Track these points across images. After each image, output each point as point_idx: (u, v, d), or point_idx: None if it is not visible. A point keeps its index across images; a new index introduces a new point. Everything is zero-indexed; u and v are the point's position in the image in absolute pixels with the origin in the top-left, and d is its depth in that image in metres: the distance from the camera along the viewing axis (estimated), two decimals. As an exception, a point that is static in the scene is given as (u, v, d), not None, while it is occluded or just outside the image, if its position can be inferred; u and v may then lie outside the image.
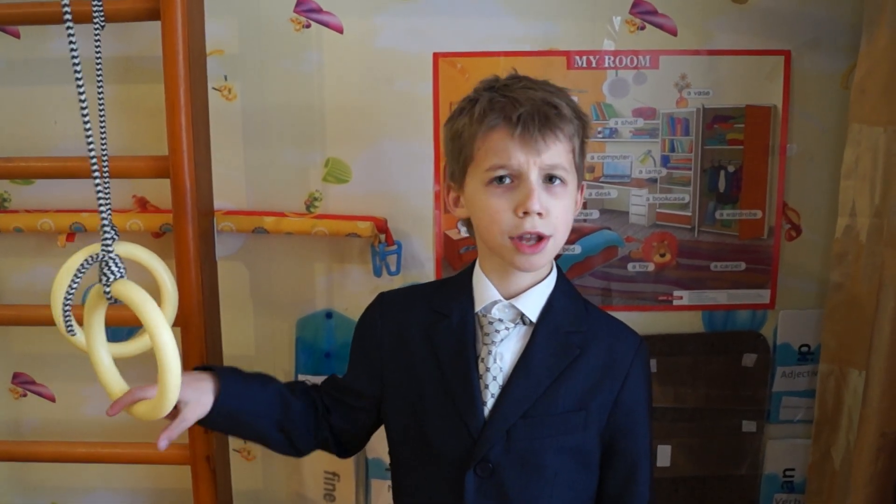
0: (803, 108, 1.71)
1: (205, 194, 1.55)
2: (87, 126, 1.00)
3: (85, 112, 1.00)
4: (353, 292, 1.75)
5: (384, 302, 1.33)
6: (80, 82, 0.92)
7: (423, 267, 1.73)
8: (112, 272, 1.07)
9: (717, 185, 1.73)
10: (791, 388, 1.81)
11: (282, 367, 1.80)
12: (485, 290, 1.22)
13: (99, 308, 1.12)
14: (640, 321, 1.75)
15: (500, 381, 1.19)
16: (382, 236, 1.67)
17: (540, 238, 1.13)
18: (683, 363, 1.78)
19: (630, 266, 1.76)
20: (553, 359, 1.20)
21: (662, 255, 1.75)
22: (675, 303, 1.77)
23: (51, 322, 1.35)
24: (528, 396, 1.18)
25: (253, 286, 1.77)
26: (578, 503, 1.26)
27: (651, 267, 1.76)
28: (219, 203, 1.64)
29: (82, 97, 0.95)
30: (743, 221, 1.74)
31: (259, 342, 1.80)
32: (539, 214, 1.12)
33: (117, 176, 1.45)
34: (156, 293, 1.44)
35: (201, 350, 1.53)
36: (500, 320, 1.20)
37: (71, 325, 1.16)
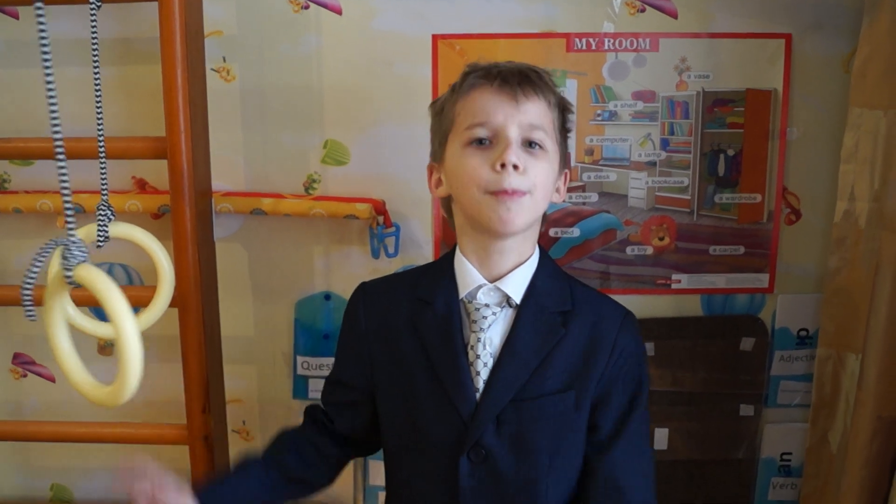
0: (804, 91, 1.70)
1: (202, 175, 1.55)
2: (53, 107, 0.97)
3: (52, 93, 0.97)
4: (351, 274, 1.75)
5: (366, 293, 1.32)
6: (48, 63, 0.90)
7: (421, 249, 1.73)
8: (74, 255, 1.05)
9: (717, 168, 1.72)
10: (789, 372, 1.81)
11: (280, 349, 1.81)
12: (467, 275, 1.21)
13: (61, 292, 1.11)
14: (639, 304, 1.76)
15: (491, 366, 1.18)
16: (381, 218, 1.67)
17: (516, 190, 1.12)
18: (682, 347, 1.78)
19: (629, 249, 1.76)
20: (539, 340, 1.19)
21: (661, 239, 1.75)
22: (674, 286, 1.77)
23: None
24: (517, 379, 1.17)
25: (251, 268, 1.78)
26: (575, 483, 1.24)
27: (650, 250, 1.76)
28: (217, 184, 1.64)
29: (49, 78, 0.93)
30: (742, 205, 1.74)
31: (258, 324, 1.80)
32: (515, 167, 1.11)
33: (115, 157, 1.45)
34: (153, 273, 1.45)
35: (199, 331, 1.53)
36: (487, 305, 1.19)
37: (31, 310, 1.11)
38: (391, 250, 1.70)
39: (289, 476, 1.29)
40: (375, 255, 1.69)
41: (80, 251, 1.05)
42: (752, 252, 1.75)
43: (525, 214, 1.14)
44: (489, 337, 1.19)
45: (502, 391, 1.17)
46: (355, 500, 1.85)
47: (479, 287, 1.20)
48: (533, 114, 1.14)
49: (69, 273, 1.03)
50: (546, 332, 1.19)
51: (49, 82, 0.92)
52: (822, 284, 1.75)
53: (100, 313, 1.72)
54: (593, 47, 1.68)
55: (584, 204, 1.73)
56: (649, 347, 1.77)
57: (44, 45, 0.88)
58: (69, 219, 1.05)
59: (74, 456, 1.89)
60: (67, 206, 1.05)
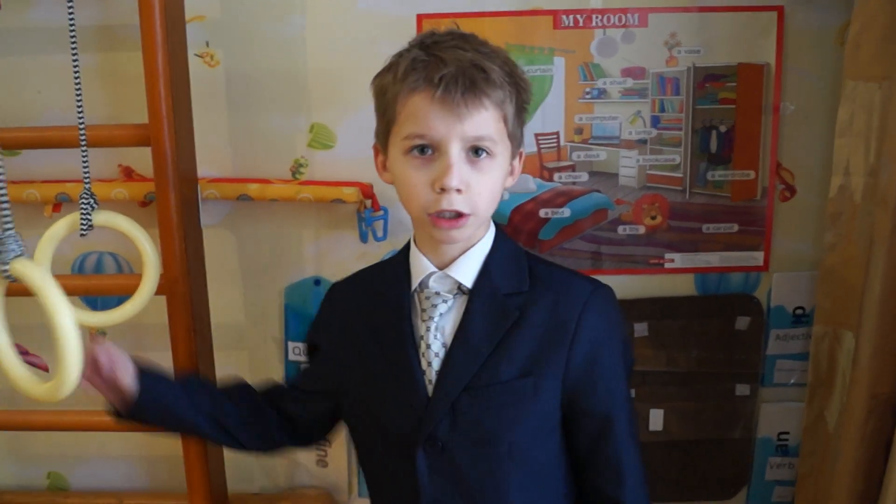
0: (797, 65, 1.67)
1: (187, 162, 1.54)
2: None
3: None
4: (340, 259, 1.74)
5: (333, 293, 1.32)
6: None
7: (409, 232, 1.66)
8: (11, 249, 1.03)
9: (709, 145, 1.70)
10: (785, 350, 1.79)
11: (271, 335, 1.81)
12: (419, 264, 1.17)
13: None
14: (632, 285, 1.74)
15: (443, 355, 1.15)
16: (368, 202, 1.66)
17: (459, 215, 1.07)
18: (676, 327, 1.76)
19: (620, 229, 1.74)
20: (490, 326, 1.14)
21: (653, 218, 1.73)
22: (667, 266, 1.75)
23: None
24: (468, 368, 1.13)
25: (240, 254, 1.77)
26: (551, 476, 1.21)
27: (642, 230, 1.74)
28: (203, 170, 1.63)
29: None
30: (735, 182, 1.71)
31: (248, 310, 1.80)
32: (458, 191, 1.05)
33: (97, 145, 1.44)
34: (138, 261, 1.45)
35: (187, 318, 1.53)
36: (437, 293, 1.16)
37: None
38: (380, 234, 1.69)
39: (218, 419, 1.29)
40: (364, 239, 1.68)
41: (15, 244, 1.04)
42: (746, 230, 1.73)
43: (467, 231, 1.11)
44: (441, 326, 1.15)
45: (454, 381, 1.13)
46: (349, 484, 1.85)
47: (431, 275, 1.16)
48: (479, 124, 1.06)
49: (6, 267, 1.02)
50: (498, 317, 1.15)
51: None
52: (817, 262, 1.72)
53: (90, 302, 1.72)
54: (581, 24, 1.65)
55: (574, 184, 1.71)
56: (643, 328, 1.75)
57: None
58: (5, 212, 1.04)
59: (70, 444, 1.89)
60: (3, 198, 1.05)
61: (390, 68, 1.12)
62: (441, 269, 1.16)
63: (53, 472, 1.94)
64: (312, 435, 1.37)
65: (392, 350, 1.17)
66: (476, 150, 1.07)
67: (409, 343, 1.16)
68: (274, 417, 1.32)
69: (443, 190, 1.05)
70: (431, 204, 1.07)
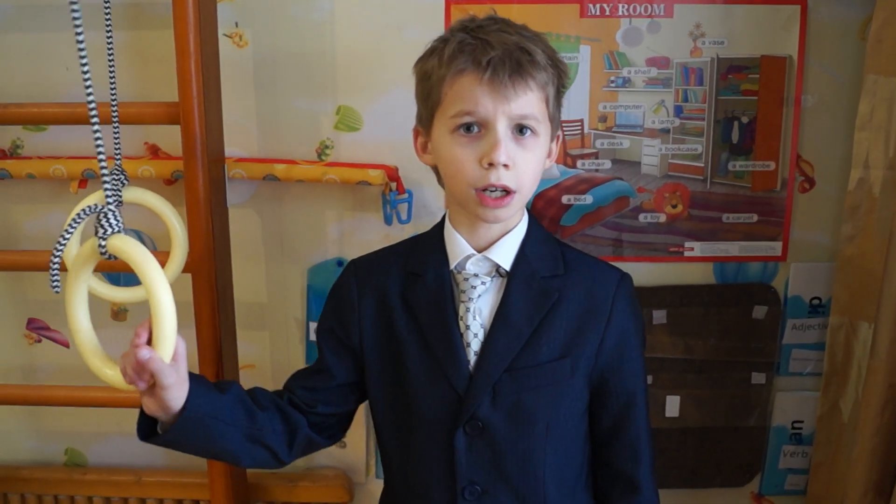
0: (819, 58, 1.69)
1: (215, 141, 1.55)
2: (85, 72, 0.96)
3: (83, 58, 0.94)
4: (364, 240, 1.75)
5: (358, 269, 1.29)
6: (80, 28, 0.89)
7: (434, 216, 1.72)
8: (110, 225, 1.02)
9: (731, 136, 1.71)
10: (801, 340, 1.81)
11: (293, 315, 1.82)
12: (456, 246, 1.18)
13: (89, 263, 1.07)
14: (651, 272, 1.76)
15: (482, 337, 1.17)
16: (394, 185, 1.67)
17: (506, 192, 1.09)
18: (694, 314, 1.78)
19: (641, 217, 1.75)
20: (531, 307, 1.17)
21: (674, 206, 1.74)
22: (687, 254, 1.77)
23: (64, 268, 1.36)
24: (510, 348, 1.16)
25: (264, 234, 1.78)
26: (574, 451, 1.24)
27: (663, 218, 1.75)
28: (230, 150, 1.64)
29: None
30: (756, 173, 1.73)
31: (270, 289, 1.80)
32: (505, 166, 1.07)
33: (127, 122, 1.45)
34: (166, 239, 1.46)
35: (212, 296, 1.54)
36: (476, 275, 1.17)
37: (57, 281, 1.06)
38: (404, 216, 1.70)
39: (253, 424, 1.19)
40: (388, 221, 1.69)
41: (116, 220, 1.02)
42: (765, 220, 1.75)
43: (511, 210, 1.13)
44: (479, 307, 1.17)
45: (496, 362, 1.16)
46: (367, 465, 1.87)
47: (468, 257, 1.18)
48: (524, 104, 1.08)
49: (103, 244, 1.01)
50: (538, 300, 1.17)
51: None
52: (835, 253, 1.74)
53: (113, 279, 1.73)
54: (607, 13, 1.66)
55: (596, 171, 1.73)
56: (661, 315, 1.77)
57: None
58: (107, 187, 1.02)
59: (88, 421, 1.90)
60: (104, 171, 1.02)
61: (434, 52, 1.14)
62: (479, 251, 1.18)
63: (71, 449, 1.95)
64: (338, 431, 1.33)
65: (433, 331, 1.18)
66: (521, 129, 1.09)
67: (452, 323, 1.17)
68: (302, 422, 1.25)
69: (490, 165, 1.07)
70: (479, 179, 1.09)
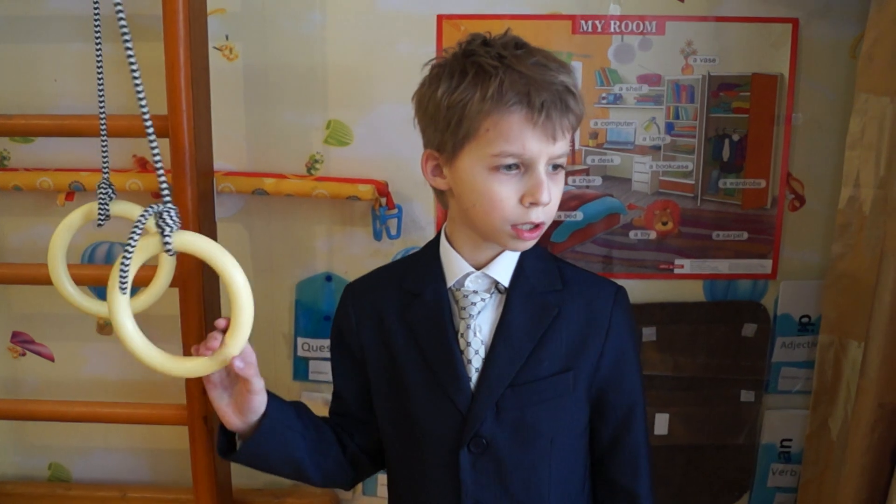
0: (810, 76, 1.69)
1: (204, 154, 1.54)
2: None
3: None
4: (353, 255, 1.75)
5: (354, 293, 1.29)
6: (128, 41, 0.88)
7: (423, 231, 1.72)
8: (173, 222, 1.03)
9: (721, 153, 1.71)
10: (790, 358, 1.81)
11: (281, 330, 1.80)
12: (455, 264, 1.18)
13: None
14: (641, 289, 1.75)
15: (483, 353, 1.16)
16: (383, 200, 1.67)
17: (537, 226, 1.10)
18: (683, 332, 1.78)
19: (632, 234, 1.75)
20: (531, 323, 1.17)
21: (665, 224, 1.74)
22: (677, 271, 1.77)
23: (49, 281, 1.35)
24: (512, 364, 1.16)
25: (253, 248, 1.77)
26: (576, 465, 1.25)
27: (653, 235, 1.75)
28: (219, 164, 1.62)
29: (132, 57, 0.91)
30: (746, 191, 1.73)
31: (258, 305, 1.75)
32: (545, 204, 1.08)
33: (116, 135, 1.44)
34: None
35: (199, 311, 1.53)
36: (475, 292, 1.17)
37: (126, 284, 1.05)
38: (393, 232, 1.69)
39: (321, 443, 1.24)
40: (378, 236, 1.69)
41: (176, 216, 1.04)
42: (755, 238, 1.75)
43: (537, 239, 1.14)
44: (479, 324, 1.17)
45: (498, 377, 1.16)
46: (355, 483, 1.86)
47: (467, 275, 1.18)
48: (564, 145, 1.09)
49: (168, 240, 1.02)
50: (538, 314, 1.17)
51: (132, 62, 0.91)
52: (824, 271, 1.74)
53: (100, 293, 1.71)
54: (599, 30, 1.66)
55: (587, 187, 1.73)
56: (651, 332, 1.76)
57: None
58: (164, 188, 1.05)
59: (73, 435, 1.88)
60: (160, 170, 1.06)
61: (462, 79, 1.08)
62: (477, 268, 1.18)
63: (55, 464, 1.93)
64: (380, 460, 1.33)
65: (433, 349, 1.18)
66: (554, 165, 1.10)
67: (452, 341, 1.17)
68: (348, 441, 1.29)
69: (532, 204, 1.07)
70: (519, 217, 1.09)
